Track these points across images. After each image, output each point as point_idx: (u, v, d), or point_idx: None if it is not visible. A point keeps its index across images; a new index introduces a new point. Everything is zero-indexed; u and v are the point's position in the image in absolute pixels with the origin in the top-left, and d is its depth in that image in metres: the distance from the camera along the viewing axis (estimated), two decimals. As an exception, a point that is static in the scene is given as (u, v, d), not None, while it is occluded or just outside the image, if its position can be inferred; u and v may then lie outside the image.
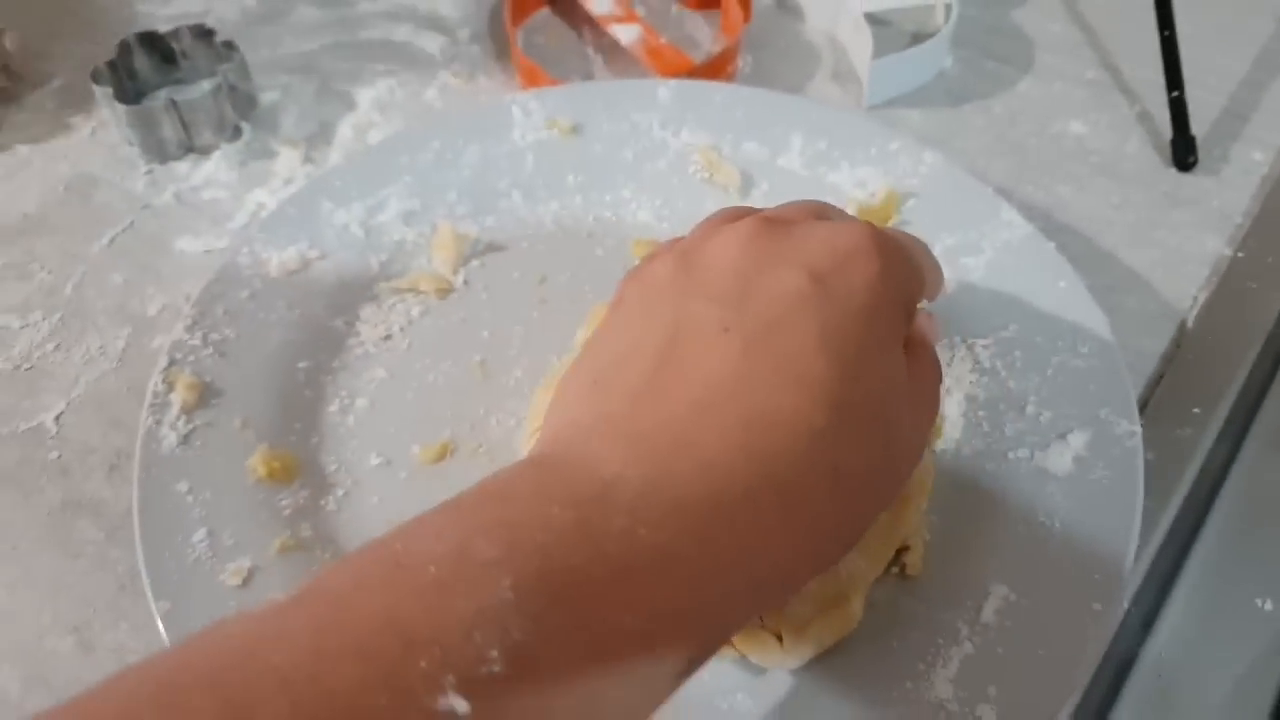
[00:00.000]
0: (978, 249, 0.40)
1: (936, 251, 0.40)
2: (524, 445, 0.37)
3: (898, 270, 0.27)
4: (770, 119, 0.46)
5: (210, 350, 0.39)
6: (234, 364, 0.39)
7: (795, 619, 0.31)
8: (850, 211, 0.42)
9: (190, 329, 0.39)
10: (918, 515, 0.33)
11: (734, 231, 0.28)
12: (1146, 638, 0.34)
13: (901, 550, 0.33)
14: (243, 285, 0.41)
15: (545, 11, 0.58)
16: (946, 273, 0.40)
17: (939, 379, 0.29)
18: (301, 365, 0.40)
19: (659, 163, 0.46)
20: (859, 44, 0.52)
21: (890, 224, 0.42)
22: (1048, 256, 0.39)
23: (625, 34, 0.52)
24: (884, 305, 0.26)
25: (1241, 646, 0.33)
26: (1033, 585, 0.31)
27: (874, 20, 0.52)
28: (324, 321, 0.41)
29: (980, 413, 0.36)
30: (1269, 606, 0.34)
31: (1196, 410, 0.38)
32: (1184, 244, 0.44)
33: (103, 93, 0.48)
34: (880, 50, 0.50)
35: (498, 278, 0.43)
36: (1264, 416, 0.39)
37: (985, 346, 0.38)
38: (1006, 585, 0.32)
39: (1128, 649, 0.34)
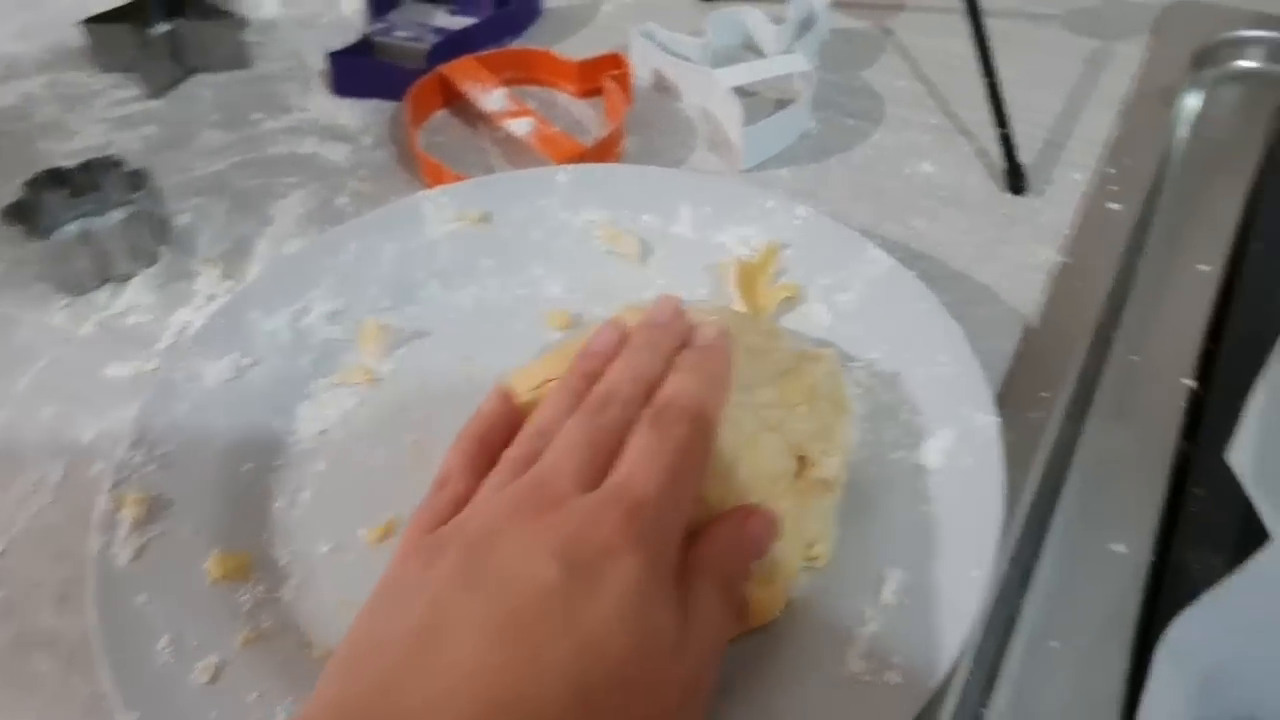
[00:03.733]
0: (848, 286, 0.45)
1: (813, 292, 0.45)
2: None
3: (656, 547, 0.30)
4: (660, 192, 0.50)
5: (155, 465, 0.40)
6: (180, 475, 0.40)
7: None
8: (731, 271, 0.46)
9: (133, 447, 0.40)
10: (829, 513, 0.37)
11: (501, 507, 0.31)
12: (1025, 593, 0.38)
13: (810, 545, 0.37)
14: (181, 399, 0.43)
15: (442, 113, 0.62)
16: (823, 311, 0.45)
17: (727, 601, 0.32)
18: (245, 468, 0.42)
19: (564, 240, 0.50)
20: (730, 115, 0.57)
21: (770, 272, 0.47)
22: (908, 284, 0.44)
23: (519, 127, 0.57)
24: (638, 587, 0.28)
25: (1104, 586, 0.38)
26: (921, 564, 0.35)
27: (742, 93, 0.58)
28: (263, 424, 0.43)
29: (864, 425, 0.41)
30: (1122, 549, 0.39)
31: (1044, 394, 0.43)
32: (1023, 256, 0.50)
33: (13, 232, 0.50)
34: (750, 119, 0.55)
35: (424, 362, 0.46)
36: (1100, 394, 0.44)
37: (861, 368, 0.43)
38: (900, 568, 0.35)
39: (1011, 605, 0.38)
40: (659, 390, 0.35)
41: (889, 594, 0.35)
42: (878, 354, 0.43)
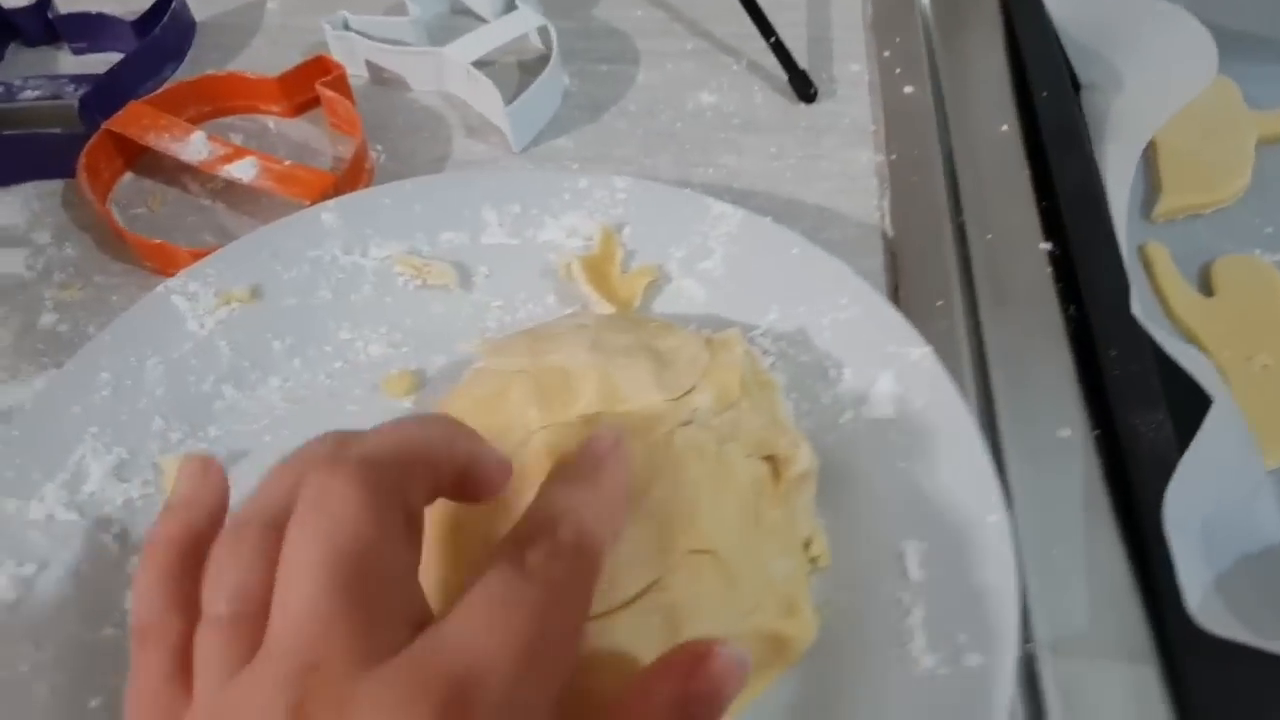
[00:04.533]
0: (707, 252, 0.41)
1: (672, 268, 0.41)
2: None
3: None
4: (451, 202, 0.43)
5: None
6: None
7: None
8: (575, 270, 0.41)
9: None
10: (810, 507, 0.34)
11: None
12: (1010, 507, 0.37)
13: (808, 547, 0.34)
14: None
15: (127, 177, 0.51)
16: (693, 286, 0.41)
17: None
18: (93, 704, 0.32)
19: (363, 290, 0.42)
20: (481, 94, 0.50)
21: (617, 260, 0.42)
22: (770, 232, 0.41)
23: (241, 171, 0.47)
24: None
25: (1067, 476, 0.37)
26: (933, 526, 0.33)
27: (479, 66, 0.51)
28: (88, 638, 0.33)
29: (793, 395, 0.38)
30: (1068, 433, 0.39)
31: (939, 302, 0.42)
32: (844, 166, 0.48)
33: None
34: (503, 94, 0.49)
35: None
36: (978, 283, 0.44)
37: (762, 336, 0.39)
38: (912, 539, 0.33)
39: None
40: (529, 509, 0.26)
41: (915, 570, 0.32)
42: (773, 315, 0.39)
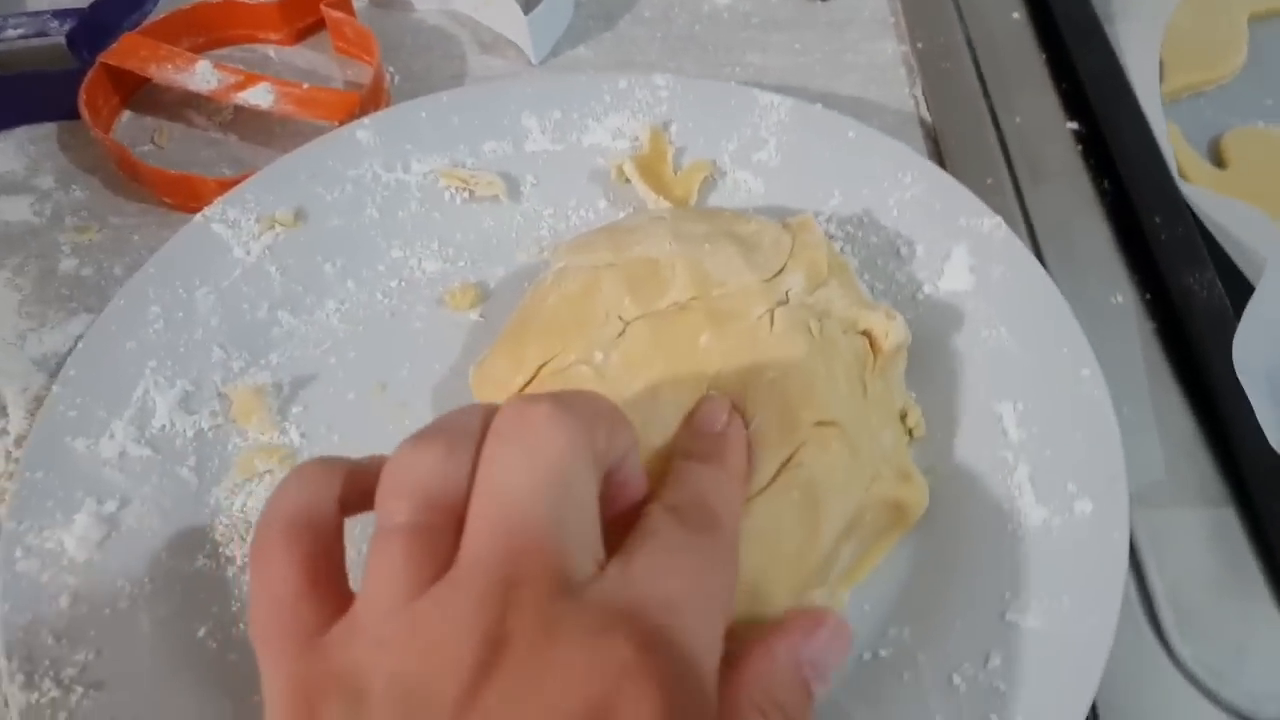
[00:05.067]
0: (761, 141, 0.41)
1: (727, 162, 0.41)
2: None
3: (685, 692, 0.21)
4: (489, 112, 0.42)
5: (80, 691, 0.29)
6: (116, 689, 0.29)
7: (867, 528, 0.31)
8: (629, 170, 0.40)
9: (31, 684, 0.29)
10: (902, 380, 0.34)
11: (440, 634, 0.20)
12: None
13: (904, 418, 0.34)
14: (49, 593, 0.31)
15: (126, 115, 0.48)
16: (749, 178, 0.41)
17: None
18: (200, 633, 0.31)
19: (410, 206, 0.41)
20: (494, 7, 0.49)
21: (668, 157, 0.41)
22: (822, 118, 0.41)
23: (259, 97, 0.45)
24: None
25: (1127, 343, 0.38)
26: (1023, 385, 0.34)
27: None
28: (184, 569, 0.32)
29: (865, 276, 0.38)
30: (1120, 299, 0.40)
31: (989, 180, 0.42)
32: (872, 58, 0.48)
33: None
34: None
35: (329, 410, 0.36)
36: (1016, 163, 0.44)
37: (827, 221, 0.39)
38: (1006, 399, 0.34)
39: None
40: (673, 479, 0.26)
41: (1014, 430, 0.33)
42: (836, 200, 0.39)
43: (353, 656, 0.20)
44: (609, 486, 0.24)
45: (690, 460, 0.27)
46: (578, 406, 0.23)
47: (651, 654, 0.20)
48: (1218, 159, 0.48)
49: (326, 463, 0.24)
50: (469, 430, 0.22)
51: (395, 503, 0.22)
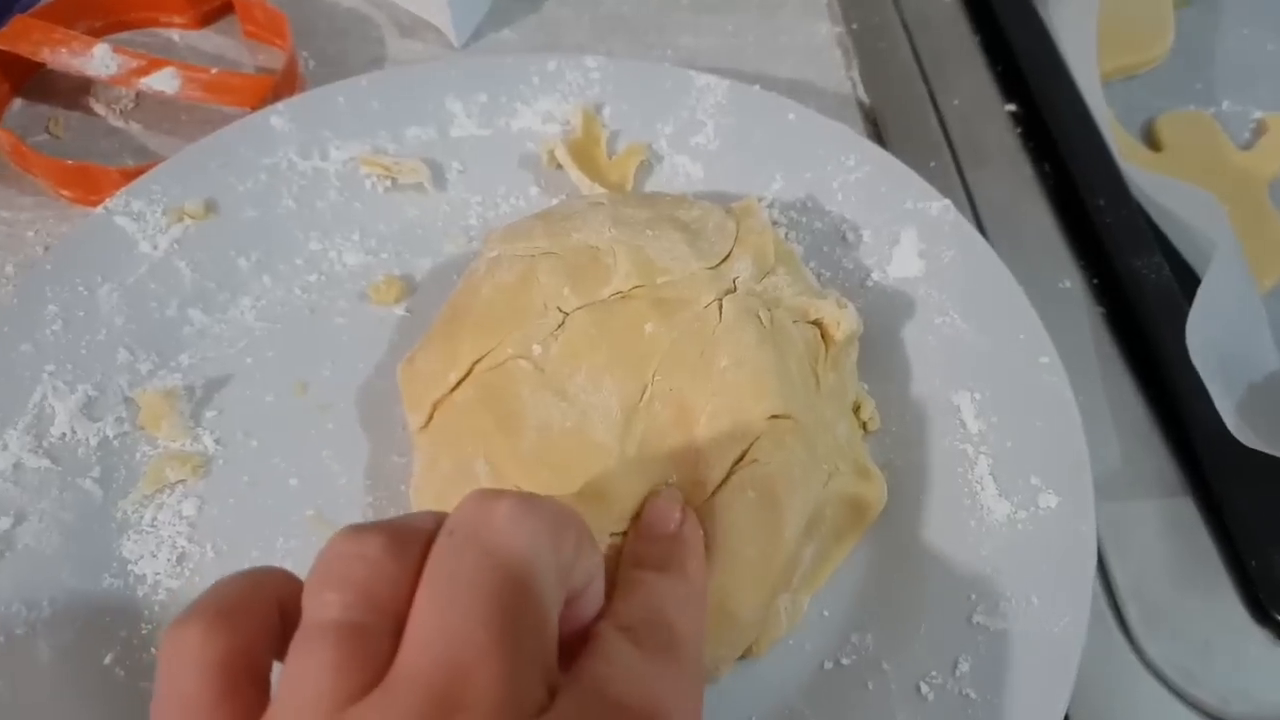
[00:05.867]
0: (699, 124, 0.40)
1: (662, 143, 0.39)
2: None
3: None
4: (412, 96, 0.40)
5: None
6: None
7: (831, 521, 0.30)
8: (560, 154, 0.38)
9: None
10: (854, 371, 0.33)
11: None
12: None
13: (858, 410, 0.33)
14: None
15: (17, 105, 0.45)
16: (687, 162, 0.39)
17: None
18: (107, 659, 0.29)
19: (328, 195, 0.38)
20: (417, -9, 0.47)
21: (601, 141, 0.39)
22: (760, 99, 0.39)
23: (164, 83, 0.42)
24: None
25: (1071, 328, 0.37)
26: (980, 374, 0.33)
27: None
28: (91, 594, 0.30)
29: (811, 263, 0.37)
30: (1067, 285, 0.39)
31: (932, 163, 0.41)
32: (806, 39, 0.47)
33: None
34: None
35: (246, 413, 0.34)
36: (957, 146, 0.43)
37: (770, 206, 0.38)
38: (964, 389, 0.33)
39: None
40: (627, 593, 0.24)
41: (973, 421, 0.32)
42: (777, 184, 0.38)
43: None
44: (566, 608, 0.21)
45: (644, 569, 0.25)
46: (545, 510, 0.20)
47: None
48: (1151, 142, 0.48)
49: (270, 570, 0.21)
50: (420, 527, 0.20)
51: (328, 594, 0.19)
